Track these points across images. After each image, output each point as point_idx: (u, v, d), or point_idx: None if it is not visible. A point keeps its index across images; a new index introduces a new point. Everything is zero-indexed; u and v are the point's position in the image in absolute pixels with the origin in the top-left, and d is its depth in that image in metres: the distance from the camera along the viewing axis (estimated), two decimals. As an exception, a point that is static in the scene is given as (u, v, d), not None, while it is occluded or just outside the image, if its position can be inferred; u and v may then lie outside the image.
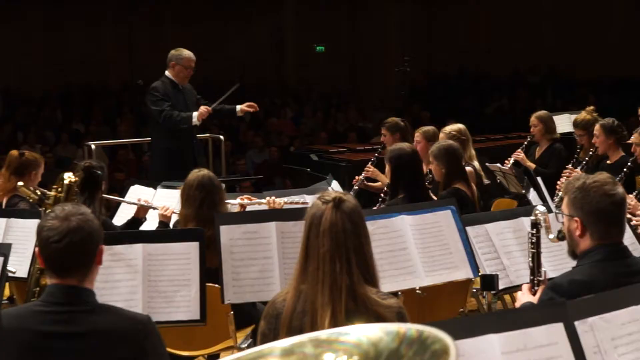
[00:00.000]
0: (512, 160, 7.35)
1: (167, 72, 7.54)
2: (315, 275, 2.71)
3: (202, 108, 7.42)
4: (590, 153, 6.75)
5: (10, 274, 4.43)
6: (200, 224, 4.51)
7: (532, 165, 7.30)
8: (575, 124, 7.26)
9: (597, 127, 6.66)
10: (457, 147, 5.82)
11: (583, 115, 7.26)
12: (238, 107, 7.65)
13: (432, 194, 5.67)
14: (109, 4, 17.86)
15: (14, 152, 5.77)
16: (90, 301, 2.75)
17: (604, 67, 16.67)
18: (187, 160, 7.39)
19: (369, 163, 7.01)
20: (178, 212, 5.10)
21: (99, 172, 4.96)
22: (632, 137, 6.16)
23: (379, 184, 6.88)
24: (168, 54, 7.60)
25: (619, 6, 17.58)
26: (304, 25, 18.86)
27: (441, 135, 6.62)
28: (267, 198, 5.28)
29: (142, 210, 5.44)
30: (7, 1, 16.37)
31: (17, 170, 5.60)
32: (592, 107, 7.46)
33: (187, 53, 7.55)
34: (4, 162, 5.87)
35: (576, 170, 6.56)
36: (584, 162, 6.70)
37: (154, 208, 5.38)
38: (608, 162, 6.58)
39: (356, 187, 6.88)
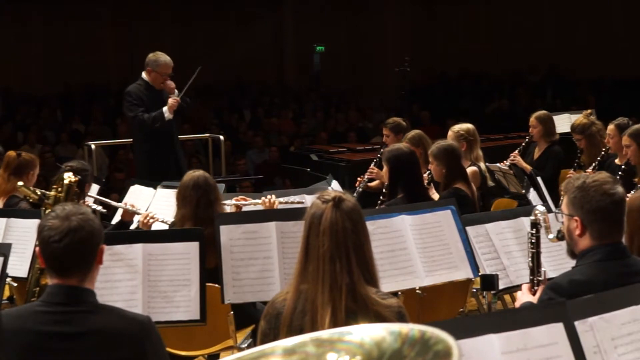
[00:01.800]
0: (507, 163, 7.32)
1: (143, 75, 7.35)
2: (315, 275, 2.71)
3: (170, 99, 7.24)
4: (603, 152, 6.74)
5: (9, 277, 4.44)
6: (198, 224, 4.51)
7: (528, 168, 7.27)
8: (572, 128, 7.24)
9: (611, 127, 6.65)
10: (456, 147, 5.81)
11: (580, 119, 7.25)
12: (164, 109, 7.23)
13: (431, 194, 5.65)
14: (109, 4, 17.86)
15: (12, 153, 5.81)
16: (91, 301, 2.75)
17: (604, 67, 16.67)
18: (169, 162, 7.34)
19: (372, 164, 6.99)
20: (162, 220, 5.09)
21: (79, 175, 4.94)
22: (622, 138, 6.15)
23: (377, 182, 6.87)
24: (146, 58, 7.39)
25: (619, 6, 17.59)
26: (304, 25, 18.86)
27: (449, 133, 6.61)
28: (263, 198, 5.27)
29: (128, 214, 5.44)
30: (7, 1, 16.37)
31: (16, 170, 5.65)
32: (589, 111, 7.46)
33: (164, 59, 7.31)
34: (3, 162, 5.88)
35: (588, 171, 6.52)
36: (596, 162, 6.67)
37: (138, 213, 5.36)
38: (617, 161, 6.56)
39: (360, 189, 6.85)
